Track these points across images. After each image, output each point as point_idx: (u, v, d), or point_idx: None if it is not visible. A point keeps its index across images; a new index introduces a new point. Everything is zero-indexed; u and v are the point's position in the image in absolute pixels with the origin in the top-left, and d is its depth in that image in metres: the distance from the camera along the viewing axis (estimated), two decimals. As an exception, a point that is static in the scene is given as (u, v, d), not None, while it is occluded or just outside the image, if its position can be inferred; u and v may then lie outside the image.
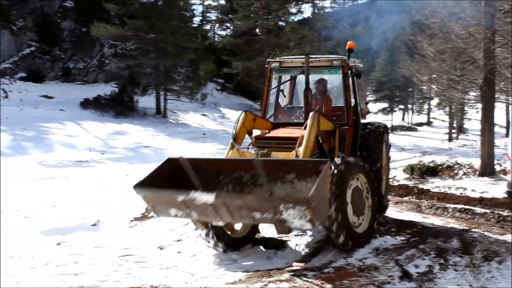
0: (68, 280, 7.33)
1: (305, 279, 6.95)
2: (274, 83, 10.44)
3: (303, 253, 8.36)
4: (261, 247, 8.77)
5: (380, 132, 10.54)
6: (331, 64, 9.74)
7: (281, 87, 10.62)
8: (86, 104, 33.23)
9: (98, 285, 7.08)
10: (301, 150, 8.11)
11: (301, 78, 10.17)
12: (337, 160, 8.14)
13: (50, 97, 34.21)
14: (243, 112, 9.09)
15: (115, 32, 33.93)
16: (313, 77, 10.26)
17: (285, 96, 10.83)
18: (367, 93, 73.57)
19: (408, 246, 8.42)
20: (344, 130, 9.64)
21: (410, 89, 61.39)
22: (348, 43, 10.24)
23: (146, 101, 35.66)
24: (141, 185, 7.34)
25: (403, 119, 65.38)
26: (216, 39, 51.52)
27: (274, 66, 10.20)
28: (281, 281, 6.90)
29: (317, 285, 6.66)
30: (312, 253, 8.29)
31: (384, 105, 63.04)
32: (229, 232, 8.62)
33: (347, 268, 7.41)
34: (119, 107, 33.42)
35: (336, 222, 7.70)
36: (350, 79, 9.78)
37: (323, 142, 8.98)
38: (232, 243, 8.62)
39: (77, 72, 40.82)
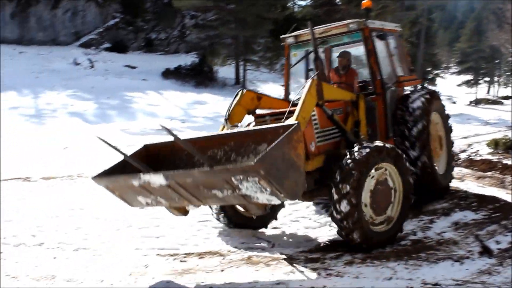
0: (149, 242, 7.65)
1: (381, 250, 6.92)
2: (295, 61, 9.58)
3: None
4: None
5: (426, 101, 9.15)
6: (348, 28, 8.79)
7: (311, 65, 9.70)
8: (167, 74, 33.95)
9: (178, 248, 7.34)
10: (290, 120, 6.80)
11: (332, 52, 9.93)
12: (356, 149, 6.98)
13: (133, 67, 35.19)
14: (241, 90, 8.36)
15: (196, 3, 34.24)
16: (338, 49, 9.80)
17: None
18: (450, 64, 71.29)
19: (489, 222, 8.16)
20: (370, 100, 8.70)
21: (497, 61, 58.91)
22: (364, 1, 9.14)
23: (226, 72, 35.97)
24: (102, 175, 6.62)
25: (488, 92, 62.95)
26: (296, 9, 51.05)
27: (290, 42, 9.41)
28: (357, 251, 6.90)
29: (394, 256, 6.61)
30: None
31: (468, 77, 60.87)
32: (242, 211, 8.09)
33: (425, 241, 7.31)
34: (199, 77, 33.93)
35: (350, 218, 6.68)
36: (373, 43, 8.78)
37: (345, 116, 8.20)
38: (248, 222, 8.19)
39: (159, 43, 41.70)
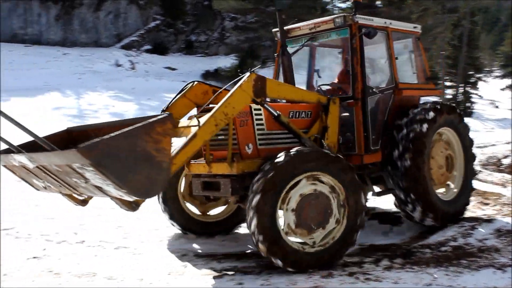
0: (187, 242, 7.78)
1: (421, 255, 6.84)
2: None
3: (420, 230, 8.19)
4: (376, 221, 8.71)
5: (426, 114, 7.97)
6: (334, 24, 7.94)
7: (316, 66, 9.15)
8: (207, 75, 34.18)
9: (216, 249, 7.36)
10: (203, 119, 6.15)
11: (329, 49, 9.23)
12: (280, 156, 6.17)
13: (173, 69, 35.57)
14: (191, 82, 7.65)
15: (236, 5, 34.40)
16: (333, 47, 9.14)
17: (320, 77, 9.07)
18: (493, 68, 69.89)
19: (533, 229, 8.00)
20: (346, 105, 7.74)
21: (542, 64, 57.51)
22: None
23: (265, 73, 35.55)
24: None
25: (533, 97, 61.42)
26: (336, 11, 50.80)
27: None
28: (396, 256, 6.83)
29: (434, 262, 6.52)
30: (429, 230, 8.09)
31: (512, 81, 59.56)
32: (196, 214, 8.04)
33: (466, 248, 7.18)
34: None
35: (259, 233, 5.98)
36: (360, 41, 7.85)
37: (312, 120, 7.39)
38: (202, 229, 8.03)
39: (199, 45, 42.02)
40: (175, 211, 7.92)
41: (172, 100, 7.43)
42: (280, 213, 6.16)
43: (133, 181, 4.90)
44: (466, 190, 8.62)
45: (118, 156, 4.77)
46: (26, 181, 6.26)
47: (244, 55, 36.82)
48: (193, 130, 6.06)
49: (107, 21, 38.75)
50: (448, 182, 8.58)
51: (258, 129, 6.97)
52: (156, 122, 5.06)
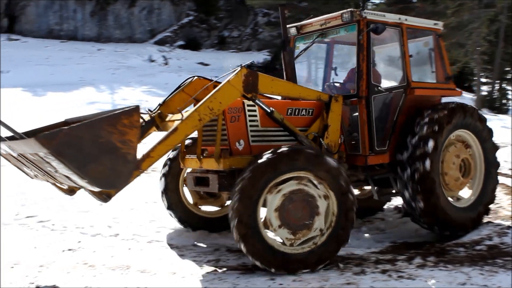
0: (220, 236, 7.84)
1: (455, 254, 6.76)
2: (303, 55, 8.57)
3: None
4: (409, 219, 8.61)
5: (442, 116, 7.53)
6: (342, 19, 7.65)
7: (334, 63, 8.87)
8: (239, 71, 34.17)
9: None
10: (187, 113, 6.17)
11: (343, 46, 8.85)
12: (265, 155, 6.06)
13: (206, 64, 35.71)
14: (191, 77, 7.53)
15: (268, 0, 34.38)
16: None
17: (336, 74, 8.75)
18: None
19: None
20: (350, 103, 7.52)
21: None
22: None
23: (297, 69, 35.78)
24: None
25: None
26: (369, 6, 50.36)
27: (293, 34, 8.49)
28: (429, 254, 6.76)
29: (468, 261, 6.44)
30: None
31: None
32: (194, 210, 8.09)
33: (501, 247, 7.05)
34: (271, 74, 33.80)
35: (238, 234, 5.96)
36: (368, 37, 7.50)
37: (314, 118, 7.21)
38: (199, 223, 8.07)
39: (232, 40, 42.11)
40: (174, 202, 7.99)
41: (169, 95, 7.33)
42: (264, 211, 6.08)
43: (95, 171, 4.91)
44: (485, 198, 8.03)
45: (80, 146, 4.77)
46: (20, 169, 6.31)
47: (276, 50, 36.71)
48: (176, 124, 6.06)
49: (141, 17, 39.12)
50: (466, 188, 8.09)
51: (251, 126, 6.84)
52: (122, 113, 5.03)
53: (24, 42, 36.93)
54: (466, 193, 8.07)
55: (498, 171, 8.32)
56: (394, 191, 8.12)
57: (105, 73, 30.74)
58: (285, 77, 7.74)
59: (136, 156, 5.31)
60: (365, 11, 7.56)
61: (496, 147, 8.26)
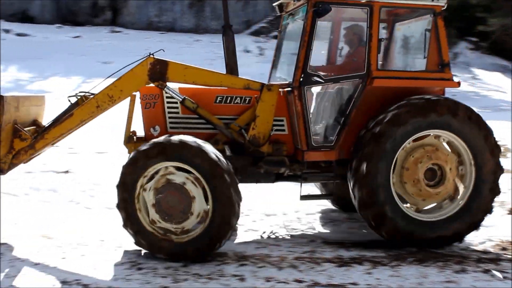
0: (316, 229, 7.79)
1: None
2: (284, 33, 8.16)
3: None
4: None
5: (404, 112, 6.47)
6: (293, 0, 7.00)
7: (340, 43, 8.05)
8: (334, 62, 33.96)
9: (344, 237, 7.34)
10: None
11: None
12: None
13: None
14: (147, 55, 7.11)
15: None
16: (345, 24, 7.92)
17: (340, 56, 7.99)
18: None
19: None
20: (282, 93, 6.98)
21: None
22: None
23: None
24: None
25: None
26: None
27: (281, 12, 7.92)
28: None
29: None
30: None
31: None
32: None
33: None
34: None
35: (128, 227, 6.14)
36: (312, 20, 6.71)
37: (248, 107, 6.95)
38: None
39: (327, 31, 41.78)
40: None
41: (109, 76, 7.18)
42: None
43: None
44: (469, 212, 6.71)
45: None
46: None
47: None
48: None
49: (237, 8, 39.57)
50: (445, 198, 6.90)
51: (169, 112, 6.93)
52: None
53: (125, 34, 38.38)
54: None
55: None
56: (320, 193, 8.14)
57: (202, 63, 31.06)
58: (225, 63, 7.41)
59: None
60: None
61: (497, 164, 6.72)
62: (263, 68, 30.63)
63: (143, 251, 6.39)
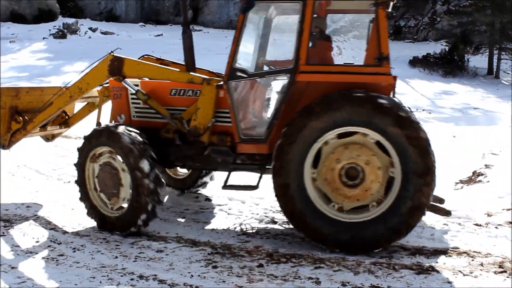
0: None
1: None
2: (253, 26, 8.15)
3: None
4: None
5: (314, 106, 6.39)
6: None
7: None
8: (414, 62, 33.22)
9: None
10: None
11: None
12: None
13: (380, 55, 35.08)
14: (142, 56, 8.56)
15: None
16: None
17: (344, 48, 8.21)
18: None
19: None
20: (219, 87, 7.18)
21: None
22: None
23: (477, 61, 33.94)
24: None
25: None
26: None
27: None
28: None
29: None
30: None
31: None
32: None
33: None
34: (448, 66, 32.54)
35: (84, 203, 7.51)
36: (243, 16, 6.92)
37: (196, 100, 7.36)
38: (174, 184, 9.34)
39: (408, 30, 40.96)
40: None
41: None
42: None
43: None
44: (391, 216, 6.36)
45: None
46: None
47: (455, 40, 35.01)
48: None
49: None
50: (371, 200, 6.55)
51: (133, 103, 7.87)
52: None
53: (205, 33, 39.06)
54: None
55: None
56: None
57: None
58: (184, 60, 7.84)
59: None
60: None
61: (426, 157, 6.21)
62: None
63: (220, 250, 6.46)
